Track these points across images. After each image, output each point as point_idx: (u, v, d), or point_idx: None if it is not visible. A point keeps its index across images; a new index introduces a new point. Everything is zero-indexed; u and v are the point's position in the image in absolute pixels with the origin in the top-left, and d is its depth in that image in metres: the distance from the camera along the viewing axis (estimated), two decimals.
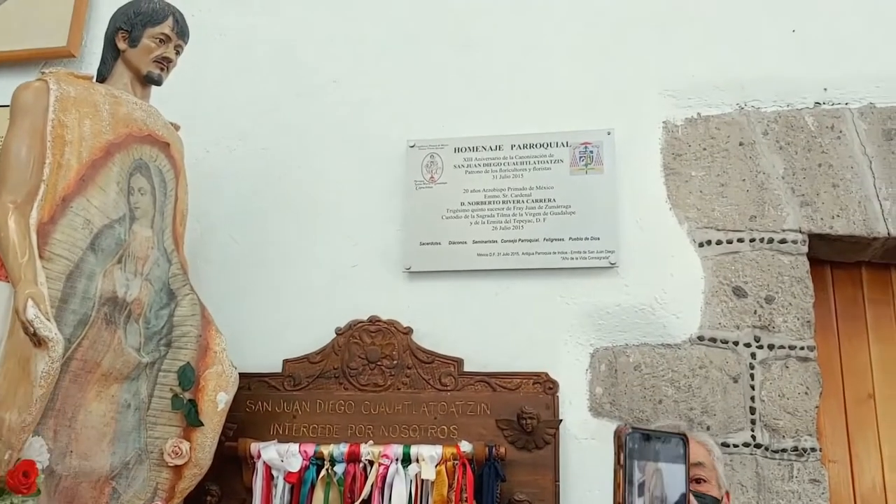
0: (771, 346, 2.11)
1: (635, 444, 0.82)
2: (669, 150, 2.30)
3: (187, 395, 2.03)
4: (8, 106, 1.92)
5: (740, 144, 2.26)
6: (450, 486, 2.03)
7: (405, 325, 2.26)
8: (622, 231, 2.25)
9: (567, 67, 2.42)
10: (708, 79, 2.32)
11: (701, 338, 2.15)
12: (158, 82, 2.13)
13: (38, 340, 1.59)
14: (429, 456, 2.05)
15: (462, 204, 2.35)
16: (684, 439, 0.84)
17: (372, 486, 2.04)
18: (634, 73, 2.37)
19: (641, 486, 0.82)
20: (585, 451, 2.12)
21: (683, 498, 0.83)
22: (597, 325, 2.21)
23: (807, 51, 2.30)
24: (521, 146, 2.36)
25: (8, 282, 1.71)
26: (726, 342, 2.14)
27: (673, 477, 0.83)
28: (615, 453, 0.82)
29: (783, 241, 2.17)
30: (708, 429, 2.08)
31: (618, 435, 0.83)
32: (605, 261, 2.23)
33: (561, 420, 2.10)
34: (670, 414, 2.11)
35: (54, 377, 1.61)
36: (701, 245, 2.22)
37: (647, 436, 0.83)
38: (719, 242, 2.21)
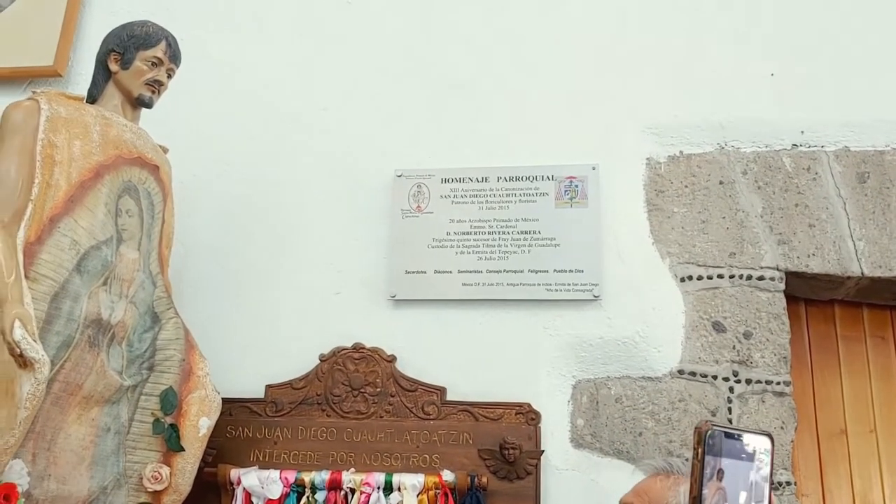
0: (749, 381, 2.15)
1: (714, 440, 0.78)
2: (652, 186, 2.36)
3: (169, 420, 2.00)
4: None
5: (720, 183, 2.32)
6: None
7: (389, 353, 2.26)
8: (606, 264, 2.29)
9: (553, 103, 2.47)
10: (690, 118, 2.38)
11: (681, 371, 2.19)
12: (149, 105, 2.13)
13: (24, 362, 1.57)
14: (411, 485, 2.05)
15: (448, 234, 2.37)
16: (770, 438, 0.82)
17: None
18: (619, 110, 2.42)
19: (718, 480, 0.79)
20: (566, 481, 2.13)
21: (766, 497, 0.80)
22: (579, 357, 2.24)
23: (785, 94, 2.37)
24: (508, 178, 2.39)
25: None
26: (705, 376, 2.18)
27: (751, 475, 0.80)
28: (693, 448, 0.79)
29: (761, 278, 2.23)
30: (686, 461, 2.09)
31: (698, 430, 0.79)
32: (589, 293, 2.26)
33: (543, 451, 2.12)
34: (650, 446, 2.14)
35: (39, 399, 1.59)
36: (682, 280, 2.26)
37: (729, 433, 0.80)
38: (700, 278, 2.25)
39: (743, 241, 2.26)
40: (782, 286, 2.22)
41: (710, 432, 0.78)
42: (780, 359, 2.16)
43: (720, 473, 0.77)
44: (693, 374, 2.18)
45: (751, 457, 0.79)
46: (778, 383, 2.14)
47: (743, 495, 0.78)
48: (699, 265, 2.26)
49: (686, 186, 2.33)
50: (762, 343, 2.18)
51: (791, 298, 2.28)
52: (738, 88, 2.39)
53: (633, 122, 2.41)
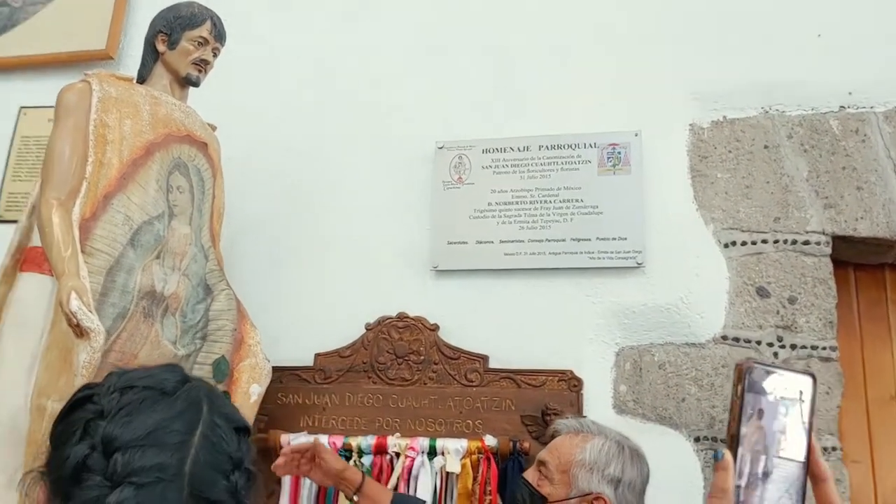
0: (793, 346, 2.13)
1: (756, 377, 0.74)
2: (696, 151, 2.33)
3: (221, 387, 2.09)
4: (51, 107, 1.99)
5: (765, 147, 2.28)
6: (474, 479, 2.08)
7: (432, 322, 2.31)
8: (649, 231, 2.28)
9: (596, 69, 2.45)
10: (734, 82, 2.34)
11: (724, 337, 2.18)
12: (197, 84, 2.20)
13: (80, 331, 1.65)
14: (454, 449, 2.10)
15: (489, 204, 2.39)
16: (813, 377, 0.77)
17: (398, 477, 2.09)
18: (662, 75, 2.40)
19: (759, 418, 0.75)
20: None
21: (806, 437, 0.76)
22: (622, 325, 2.25)
23: (831, 55, 2.31)
24: (549, 147, 2.39)
25: (52, 275, 1.78)
26: (749, 342, 2.16)
27: (792, 414, 0.76)
28: (733, 385, 0.76)
29: (807, 243, 2.19)
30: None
31: (738, 367, 0.76)
32: (632, 261, 2.26)
33: (585, 416, 2.14)
34: (693, 412, 2.14)
35: (95, 367, 1.67)
36: (726, 246, 2.24)
37: (771, 371, 0.76)
38: (744, 243, 2.23)
39: (788, 205, 2.23)
40: (828, 250, 2.18)
41: (751, 369, 0.75)
42: (826, 324, 2.13)
43: (760, 413, 0.75)
44: (736, 339, 2.17)
45: (793, 397, 0.76)
46: (824, 348, 2.12)
47: (783, 436, 0.75)
48: (743, 230, 2.24)
49: (730, 151, 2.31)
50: (807, 308, 2.15)
51: (838, 263, 2.24)
52: (782, 50, 2.34)
53: (676, 87, 2.38)
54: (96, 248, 1.87)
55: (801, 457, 0.74)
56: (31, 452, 1.70)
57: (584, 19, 2.51)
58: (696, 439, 2.13)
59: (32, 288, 1.85)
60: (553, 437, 1.77)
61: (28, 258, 1.91)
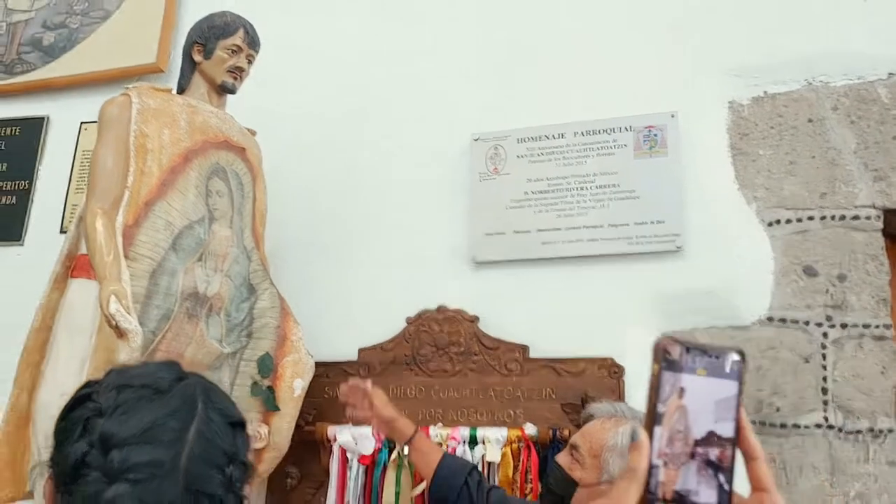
0: (844, 325, 2.05)
1: (674, 356, 0.71)
2: (736, 129, 2.27)
3: (266, 383, 2.15)
4: None
5: (809, 121, 2.20)
6: (515, 467, 2.08)
7: (471, 314, 2.32)
8: (688, 214, 2.23)
9: (629, 51, 2.42)
10: (774, 56, 2.27)
11: (771, 318, 2.11)
12: (233, 91, 2.27)
13: (119, 332, 1.74)
14: (494, 438, 2.10)
15: (526, 193, 2.38)
16: (741, 354, 0.73)
17: None
18: (698, 54, 2.34)
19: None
20: None
21: (734, 418, 0.72)
22: (664, 310, 2.20)
23: (879, 21, 2.21)
24: (584, 133, 2.37)
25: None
26: (797, 322, 2.09)
27: (718, 392, 0.72)
28: (651, 363, 0.72)
29: (856, 218, 2.10)
30: (778, 410, 2.04)
31: (655, 346, 0.72)
32: (671, 244, 2.22)
33: (621, 401, 2.11)
34: None
35: None
36: (770, 225, 2.17)
37: (691, 349, 0.72)
38: (789, 221, 2.16)
39: (835, 180, 2.14)
40: (880, 224, 2.09)
41: (667, 347, 0.72)
42: (879, 301, 2.04)
43: (681, 392, 0.71)
44: (783, 320, 2.10)
45: (718, 374, 0.72)
46: (877, 326, 2.03)
47: (708, 413, 0.72)
48: (788, 208, 2.17)
49: (772, 127, 2.23)
50: (858, 286, 2.06)
51: (890, 238, 2.14)
52: (824, 18, 2.25)
53: (713, 64, 2.32)
54: (140, 253, 1.96)
55: (729, 434, 0.71)
56: None
57: (615, 1, 2.47)
58: None
59: (82, 293, 1.95)
60: (587, 421, 1.76)
61: (77, 265, 2.01)
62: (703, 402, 0.72)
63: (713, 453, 0.71)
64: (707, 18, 2.36)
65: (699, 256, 2.20)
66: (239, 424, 0.99)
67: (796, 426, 2.01)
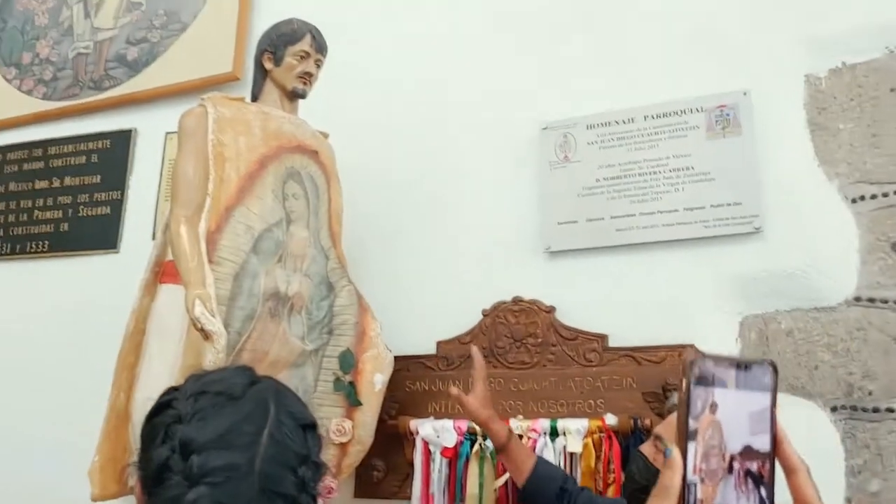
0: None
1: (703, 370, 0.70)
2: (813, 104, 2.19)
3: (348, 378, 2.21)
4: None
5: (891, 90, 2.11)
6: (597, 457, 2.07)
7: (547, 304, 2.32)
8: (765, 194, 2.17)
9: (696, 30, 2.36)
10: (851, 24, 2.17)
11: (858, 298, 2.04)
12: (303, 96, 2.32)
13: (205, 335, 1.82)
14: (575, 429, 2.10)
15: (598, 180, 2.36)
16: (773, 366, 0.73)
17: None
18: (769, 27, 2.27)
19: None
20: None
21: (770, 431, 0.72)
22: (744, 293, 2.15)
23: None
24: (654, 116, 2.33)
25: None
26: (886, 301, 2.01)
27: (752, 405, 0.72)
28: (679, 379, 0.71)
29: None
30: (870, 394, 1.97)
31: (683, 360, 0.71)
32: (749, 226, 2.16)
33: None
34: (828, 380, 2.02)
35: (221, 366, 1.83)
36: (853, 201, 2.09)
37: (722, 362, 0.71)
38: (874, 197, 2.07)
39: None
40: None
41: (695, 362, 0.70)
42: None
43: (714, 406, 0.70)
44: (872, 300, 2.02)
45: (750, 386, 0.71)
46: None
47: (743, 427, 0.71)
48: (872, 183, 2.08)
49: (852, 100, 2.15)
50: None
51: None
52: None
53: (785, 38, 2.24)
54: (223, 257, 2.04)
55: (766, 447, 0.71)
56: None
57: None
58: (833, 409, 2.01)
59: (170, 298, 2.04)
60: (671, 411, 1.75)
61: (165, 271, 2.11)
62: (737, 415, 0.71)
63: (752, 467, 0.70)
64: None
65: (779, 237, 2.14)
66: (310, 426, 1.03)
67: (890, 410, 1.94)
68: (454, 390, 1.87)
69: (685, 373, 0.71)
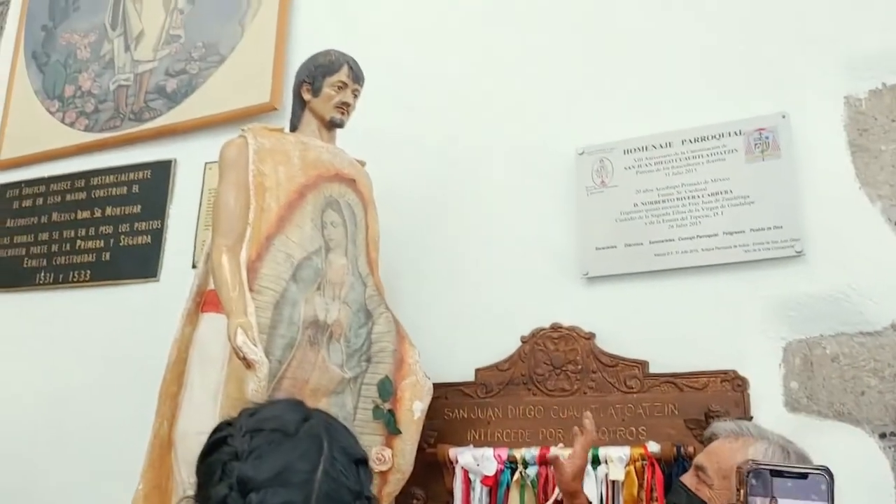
0: None
1: (759, 481, 0.72)
2: (854, 126, 2.17)
3: (387, 406, 2.21)
4: None
5: None
6: (640, 486, 2.05)
7: (587, 331, 2.30)
8: (807, 217, 2.15)
9: (734, 53, 2.35)
10: (890, 45, 2.15)
11: None
12: (341, 125, 2.36)
13: (247, 363, 1.83)
14: (617, 457, 2.08)
15: (635, 205, 2.35)
16: (828, 473, 0.74)
17: None
18: (808, 50, 2.25)
19: None
20: None
21: None
22: (787, 318, 2.12)
23: None
24: (692, 140, 2.32)
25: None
26: None
27: None
28: (735, 489, 0.74)
29: None
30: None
31: (738, 469, 0.73)
32: (791, 249, 2.14)
33: (752, 417, 2.04)
34: (875, 405, 1.99)
35: (264, 395, 1.84)
36: None
37: (776, 472, 0.73)
38: None
39: None
40: None
41: (752, 473, 0.72)
42: None
43: None
44: None
45: (807, 495, 0.72)
46: None
47: None
48: None
49: (893, 121, 2.12)
50: None
51: None
52: None
53: (824, 60, 2.22)
54: (263, 285, 2.06)
55: None
56: None
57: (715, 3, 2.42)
58: (882, 435, 1.97)
59: (212, 327, 2.06)
60: (709, 440, 1.72)
61: (207, 300, 2.13)
62: None
63: None
64: (816, 11, 2.27)
65: (822, 261, 2.11)
66: (362, 461, 1.06)
67: None
68: (586, 422, 1.86)
69: (741, 482, 0.73)
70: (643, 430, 2.16)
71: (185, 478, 1.98)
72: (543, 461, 2.16)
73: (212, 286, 2.11)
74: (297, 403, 1.09)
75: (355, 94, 2.37)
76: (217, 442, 1.02)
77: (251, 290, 2.00)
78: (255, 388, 1.82)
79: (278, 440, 0.99)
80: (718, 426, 1.70)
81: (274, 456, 0.97)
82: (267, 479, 0.94)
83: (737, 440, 1.61)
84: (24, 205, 3.57)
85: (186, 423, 2.02)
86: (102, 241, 3.30)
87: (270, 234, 2.11)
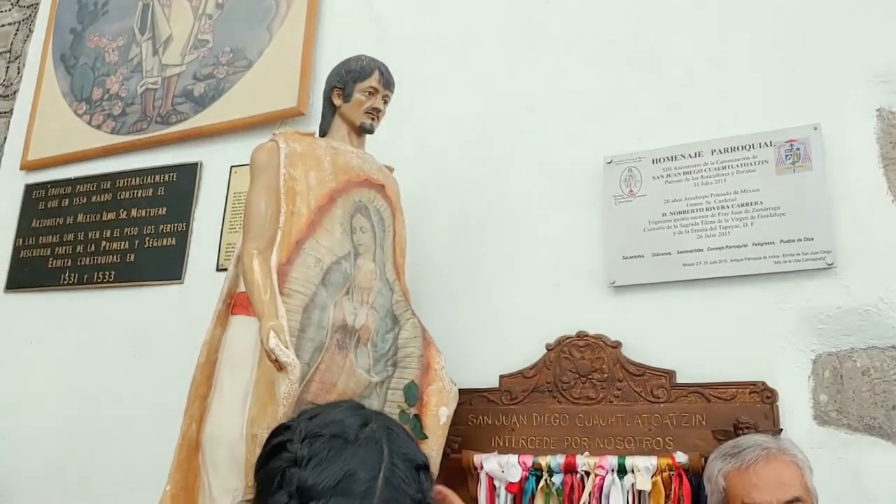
0: None
1: None
2: (887, 138, 2.16)
3: (413, 411, 2.21)
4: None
5: None
6: (667, 496, 2.04)
7: (613, 340, 2.30)
8: (838, 229, 2.14)
9: (764, 63, 2.35)
10: None
11: None
12: (371, 131, 2.37)
13: (279, 366, 1.84)
14: (644, 467, 2.07)
15: (664, 215, 2.35)
16: None
17: (590, 495, 2.10)
18: (839, 61, 2.24)
19: None
20: (811, 460, 2.02)
21: None
22: (817, 330, 2.11)
23: None
24: (722, 150, 2.32)
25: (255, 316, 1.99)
26: None
27: None
28: None
29: None
30: None
31: None
32: (822, 261, 2.13)
33: (781, 430, 2.03)
34: None
35: (294, 397, 1.85)
36: None
37: None
38: None
39: None
40: None
41: None
42: None
43: None
44: None
45: None
46: None
47: None
48: None
49: None
50: None
51: None
52: None
53: (856, 72, 2.21)
54: (293, 289, 2.07)
55: None
56: (251, 476, 1.90)
57: (746, 9, 2.41)
58: None
59: (242, 329, 2.08)
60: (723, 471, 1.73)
61: (237, 302, 2.14)
62: None
63: None
64: (847, 22, 2.27)
65: (853, 273, 2.10)
66: (423, 467, 1.04)
67: None
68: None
69: None
70: (670, 440, 2.15)
71: (212, 479, 1.99)
72: (569, 469, 2.15)
73: (242, 288, 2.12)
74: (356, 406, 1.07)
75: (386, 101, 2.38)
76: (276, 447, 1.01)
77: (281, 293, 2.01)
78: (287, 391, 1.83)
79: (338, 446, 0.98)
80: (747, 454, 1.73)
81: (334, 463, 0.96)
82: (327, 487, 0.93)
83: (777, 458, 1.72)
84: (49, 205, 3.60)
85: (214, 424, 2.03)
86: (127, 243, 3.33)
87: (301, 238, 2.12)
